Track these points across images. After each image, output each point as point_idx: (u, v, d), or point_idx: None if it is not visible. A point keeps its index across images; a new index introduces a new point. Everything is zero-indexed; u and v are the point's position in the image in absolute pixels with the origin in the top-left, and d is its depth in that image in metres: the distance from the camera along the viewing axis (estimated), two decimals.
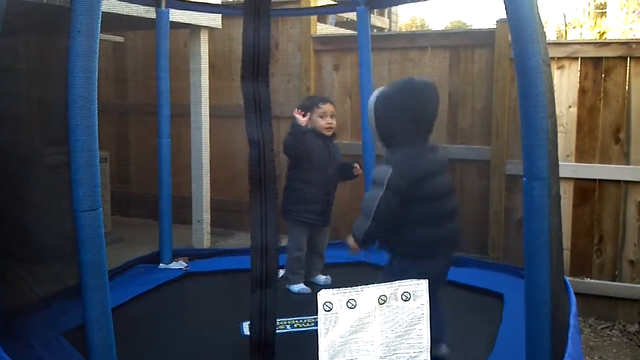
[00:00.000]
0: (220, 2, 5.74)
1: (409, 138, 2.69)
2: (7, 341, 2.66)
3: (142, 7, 4.43)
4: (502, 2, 1.97)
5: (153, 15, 4.27)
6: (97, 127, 1.70)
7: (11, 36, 2.73)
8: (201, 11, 5.10)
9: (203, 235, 5.78)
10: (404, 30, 14.76)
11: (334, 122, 3.90)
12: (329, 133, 3.89)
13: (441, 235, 2.65)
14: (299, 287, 3.88)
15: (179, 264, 4.37)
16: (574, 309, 3.03)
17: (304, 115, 3.76)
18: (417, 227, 2.64)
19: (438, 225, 2.65)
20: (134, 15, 4.51)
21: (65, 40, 1.71)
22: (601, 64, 4.50)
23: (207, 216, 5.79)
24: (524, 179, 1.97)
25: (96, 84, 1.69)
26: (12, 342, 2.67)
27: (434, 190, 2.64)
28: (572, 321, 2.79)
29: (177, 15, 4.65)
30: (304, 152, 3.77)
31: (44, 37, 2.52)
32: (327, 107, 3.89)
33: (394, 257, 2.77)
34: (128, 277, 4.10)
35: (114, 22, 4.77)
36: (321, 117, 3.86)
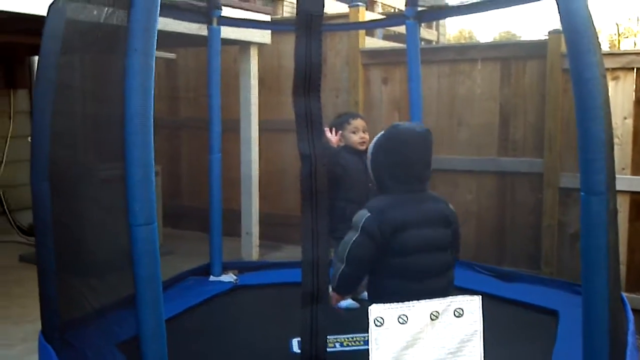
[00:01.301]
0: (269, 19, 5.80)
1: (393, 185, 2.62)
2: (63, 352, 2.73)
3: (194, 24, 4.51)
4: (557, 12, 1.94)
5: (205, 33, 4.34)
6: (152, 143, 1.74)
7: (69, 55, 2.82)
8: (253, 27, 5.17)
9: (252, 248, 5.83)
10: (452, 42, 14.66)
11: (367, 136, 3.85)
12: (363, 147, 3.86)
13: (419, 292, 2.39)
14: (347, 302, 3.86)
15: (229, 277, 4.40)
16: (631, 326, 2.94)
17: (336, 134, 3.77)
18: (391, 279, 2.55)
19: (415, 280, 2.51)
20: (186, 33, 4.60)
21: (121, 58, 1.75)
22: None
23: (255, 229, 5.84)
24: (582, 193, 1.92)
25: (152, 101, 1.72)
26: (68, 352, 2.73)
27: (414, 243, 2.52)
28: (630, 339, 2.71)
29: (227, 32, 4.72)
30: (341, 170, 3.76)
31: (101, 56, 2.59)
32: (358, 122, 3.87)
33: None
34: (179, 290, 4.15)
35: (167, 39, 4.87)
36: (353, 132, 3.85)
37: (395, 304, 2.21)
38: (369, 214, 2.55)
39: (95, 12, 2.34)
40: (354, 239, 2.53)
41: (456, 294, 2.30)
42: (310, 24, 1.82)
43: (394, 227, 2.51)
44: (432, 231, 2.58)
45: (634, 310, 3.32)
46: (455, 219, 2.71)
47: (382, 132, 2.73)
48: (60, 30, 2.71)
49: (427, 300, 2.26)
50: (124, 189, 1.77)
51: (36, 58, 3.01)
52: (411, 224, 2.53)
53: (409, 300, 2.52)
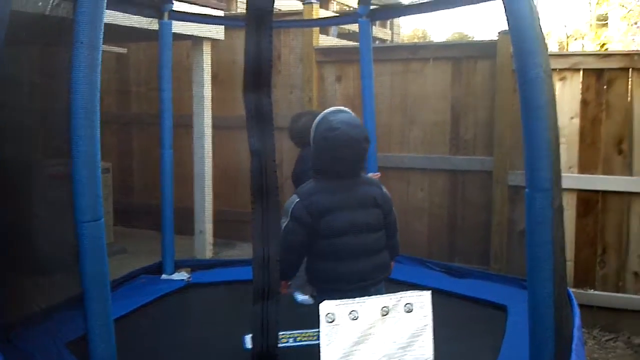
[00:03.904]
0: (222, 14, 5.76)
1: (322, 174, 2.67)
2: (9, 352, 2.65)
3: (144, 18, 4.45)
4: (504, 14, 1.97)
5: (156, 27, 4.28)
6: (99, 138, 1.71)
7: (13, 47, 2.74)
8: (203, 23, 5.12)
9: (205, 246, 5.78)
10: (406, 41, 14.80)
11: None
12: None
13: (348, 271, 2.58)
14: (302, 297, 3.86)
15: (182, 275, 4.36)
16: (577, 320, 3.02)
17: None
18: (323, 261, 2.63)
19: (346, 260, 2.59)
20: (136, 27, 4.53)
21: (68, 51, 1.72)
22: (603, 76, 4.50)
23: (209, 227, 5.79)
24: (527, 190, 1.96)
25: (99, 95, 1.69)
26: (14, 353, 2.66)
27: (341, 225, 2.58)
28: (576, 333, 2.78)
29: (179, 26, 4.67)
30: None
31: (46, 48, 2.53)
32: None
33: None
34: (130, 288, 4.09)
35: (117, 33, 4.79)
36: None
37: (345, 299, 2.22)
38: (298, 200, 2.62)
39: (40, 4, 2.29)
40: (285, 224, 2.58)
41: (406, 288, 2.33)
42: (260, 19, 1.81)
43: (320, 211, 2.57)
44: (362, 213, 2.63)
45: (581, 306, 3.40)
46: (386, 200, 2.75)
47: (317, 120, 2.73)
48: (5, 21, 2.63)
49: (377, 296, 2.28)
50: (70, 185, 1.74)
51: None
52: (338, 207, 2.59)
53: (341, 280, 2.58)
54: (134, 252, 5.71)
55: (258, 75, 1.81)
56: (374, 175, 3.98)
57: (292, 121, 4.02)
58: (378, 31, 9.84)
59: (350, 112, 2.76)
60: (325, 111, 2.76)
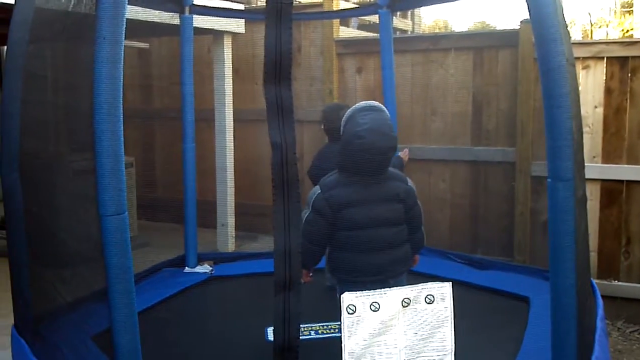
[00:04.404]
0: (242, 8, 5.77)
1: (347, 163, 2.68)
2: (36, 345, 2.70)
3: (166, 13, 4.48)
4: (525, 2, 1.95)
5: (177, 22, 4.31)
6: (122, 132, 1.73)
7: (38, 43, 2.78)
8: (224, 16, 5.14)
9: (227, 239, 5.82)
10: (427, 32, 14.72)
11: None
12: None
13: (366, 264, 2.62)
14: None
15: (204, 268, 4.40)
16: (600, 311, 2.99)
17: None
18: (342, 252, 2.66)
19: (363, 253, 2.63)
20: (158, 22, 4.56)
21: (90, 47, 1.74)
22: (627, 64, 4.44)
23: (231, 220, 5.83)
24: (549, 180, 1.94)
25: (121, 90, 1.71)
26: (41, 345, 2.71)
27: (360, 218, 2.61)
28: (599, 324, 2.76)
29: (200, 21, 4.69)
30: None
31: (69, 44, 2.55)
32: None
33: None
34: (154, 281, 4.14)
35: (139, 28, 4.83)
36: None
37: (367, 291, 2.23)
38: (319, 192, 2.67)
39: (63, 0, 2.31)
40: (306, 215, 2.63)
41: (428, 280, 2.33)
42: (280, 12, 1.82)
43: (340, 204, 2.61)
44: (381, 209, 2.65)
45: (605, 297, 3.37)
46: (410, 194, 2.76)
47: (347, 116, 2.75)
48: (29, 19, 2.67)
49: (398, 287, 2.28)
50: (94, 179, 1.76)
51: (4, 48, 2.96)
52: (358, 202, 2.62)
53: (360, 271, 2.61)
54: (157, 245, 5.76)
55: (278, 68, 1.82)
56: (402, 154, 3.98)
57: (329, 111, 4.01)
58: (398, 22, 9.78)
59: (380, 107, 2.76)
60: (356, 107, 2.76)
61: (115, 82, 1.69)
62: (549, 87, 1.88)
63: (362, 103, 2.77)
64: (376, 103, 2.78)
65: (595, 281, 3.46)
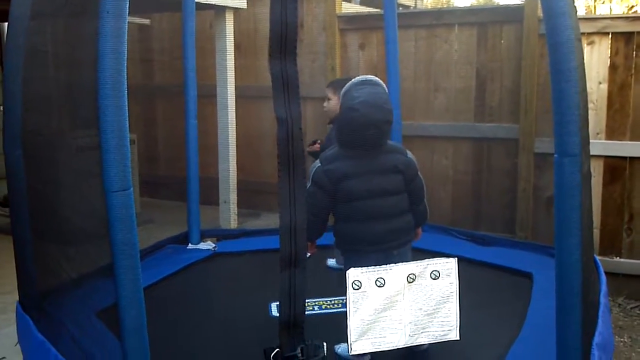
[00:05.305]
0: None
1: (344, 143, 2.72)
2: (41, 321, 2.72)
3: None
4: None
5: None
6: (127, 107, 1.71)
7: (39, 19, 2.75)
8: None
9: (230, 215, 5.82)
10: (429, 7, 14.59)
11: (328, 105, 3.93)
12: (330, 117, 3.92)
13: (368, 233, 2.65)
14: (332, 262, 3.90)
15: (207, 245, 4.41)
16: (604, 287, 3.00)
17: None
18: (345, 223, 2.70)
19: (363, 223, 2.66)
20: None
21: (93, 21, 1.72)
22: (633, 39, 4.40)
23: (233, 197, 5.82)
24: (555, 155, 1.93)
25: (125, 65, 1.70)
26: (46, 322, 2.72)
27: (359, 190, 2.65)
28: (602, 300, 2.77)
29: None
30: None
31: (71, 19, 2.53)
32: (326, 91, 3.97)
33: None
34: (157, 258, 4.15)
35: (140, 4, 4.78)
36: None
37: (372, 267, 2.23)
38: (319, 165, 2.71)
39: None
40: (307, 188, 2.63)
41: (431, 256, 2.33)
42: None
43: (338, 177, 2.65)
44: (379, 179, 2.68)
45: (607, 273, 3.38)
46: (410, 166, 2.78)
47: (344, 90, 2.78)
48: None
49: (404, 263, 2.29)
50: (98, 155, 1.75)
51: (5, 25, 2.94)
52: (356, 174, 2.65)
53: (363, 241, 2.64)
54: (159, 222, 5.77)
55: (284, 42, 1.80)
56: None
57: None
58: None
59: (377, 81, 2.77)
60: (352, 81, 2.78)
61: (120, 56, 1.67)
62: (558, 61, 1.85)
63: (359, 77, 2.80)
64: (373, 77, 2.80)
65: (597, 257, 3.46)
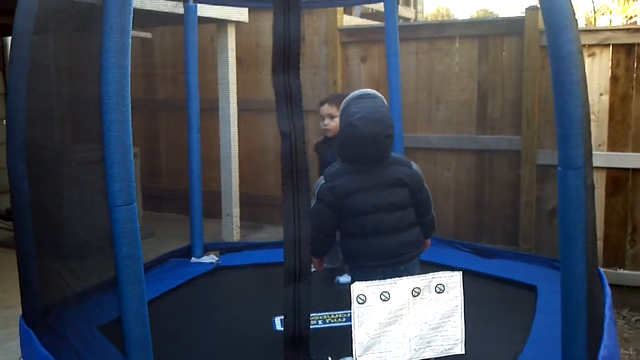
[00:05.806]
0: None
1: (348, 159, 2.71)
2: (45, 335, 2.71)
3: (170, 2, 4.46)
4: None
5: (181, 11, 4.29)
6: (130, 122, 1.72)
7: (43, 34, 2.76)
8: (229, 5, 5.11)
9: (233, 229, 5.82)
10: (430, 20, 14.65)
11: (330, 122, 3.79)
12: (327, 134, 3.82)
13: (375, 248, 2.63)
14: (345, 278, 3.83)
15: (211, 258, 4.40)
16: (608, 300, 2.99)
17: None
18: (352, 238, 2.69)
19: (370, 238, 2.65)
20: (163, 11, 4.54)
21: (96, 37, 1.73)
22: (633, 51, 4.42)
23: (236, 210, 5.83)
24: (559, 168, 1.93)
25: (129, 80, 1.70)
26: (49, 336, 2.71)
27: (365, 205, 2.63)
28: (607, 312, 2.75)
29: (204, 10, 4.66)
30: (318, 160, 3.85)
31: (75, 34, 2.54)
32: (322, 109, 3.85)
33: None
34: (160, 272, 4.14)
35: (142, 18, 4.81)
36: (322, 119, 3.85)
37: (377, 281, 2.22)
38: (323, 182, 2.70)
39: None
40: (312, 205, 2.60)
41: (435, 269, 2.32)
42: (288, 0, 1.80)
43: (344, 193, 2.63)
44: (385, 193, 2.67)
45: (611, 285, 3.37)
46: (415, 179, 2.77)
47: (342, 106, 2.77)
48: (34, 9, 2.65)
49: (408, 277, 2.28)
50: (102, 169, 1.76)
51: (9, 39, 2.95)
52: (361, 189, 2.64)
53: (370, 256, 2.62)
54: (162, 236, 5.76)
55: (287, 57, 1.81)
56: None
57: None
58: (402, 10, 9.71)
59: (376, 95, 2.76)
60: (350, 95, 2.77)
61: (124, 71, 1.68)
62: (560, 75, 1.86)
63: (357, 91, 2.79)
64: (370, 90, 2.79)
65: (602, 269, 3.45)
